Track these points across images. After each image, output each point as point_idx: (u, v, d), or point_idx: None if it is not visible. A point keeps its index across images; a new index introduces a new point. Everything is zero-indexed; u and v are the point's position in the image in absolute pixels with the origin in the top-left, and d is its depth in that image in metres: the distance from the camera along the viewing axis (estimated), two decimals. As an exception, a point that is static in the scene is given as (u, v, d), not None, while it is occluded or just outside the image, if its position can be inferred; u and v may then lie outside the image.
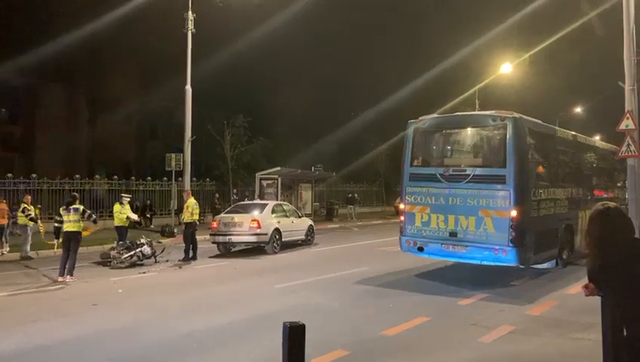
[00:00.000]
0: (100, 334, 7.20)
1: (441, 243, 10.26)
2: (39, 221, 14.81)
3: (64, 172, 25.23)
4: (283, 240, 16.21)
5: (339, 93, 38.24)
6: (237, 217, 15.70)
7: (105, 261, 13.51)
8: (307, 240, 17.93)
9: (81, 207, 11.89)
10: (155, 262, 13.88)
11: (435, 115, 11.91)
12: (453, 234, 10.13)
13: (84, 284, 11.10)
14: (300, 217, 17.99)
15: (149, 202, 25.31)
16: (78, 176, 24.26)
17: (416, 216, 10.61)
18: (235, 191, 28.95)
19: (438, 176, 10.44)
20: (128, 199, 15.26)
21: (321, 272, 12.03)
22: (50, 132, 33.81)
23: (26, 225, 14.93)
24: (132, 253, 13.69)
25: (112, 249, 14.05)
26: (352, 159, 36.33)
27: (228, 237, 15.55)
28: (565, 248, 11.68)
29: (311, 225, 18.46)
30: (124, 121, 35.68)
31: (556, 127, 12.87)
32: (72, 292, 10.34)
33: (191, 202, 15.00)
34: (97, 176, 25.56)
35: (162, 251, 14.73)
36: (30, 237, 14.96)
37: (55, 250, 13.60)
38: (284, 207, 17.63)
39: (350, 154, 36.86)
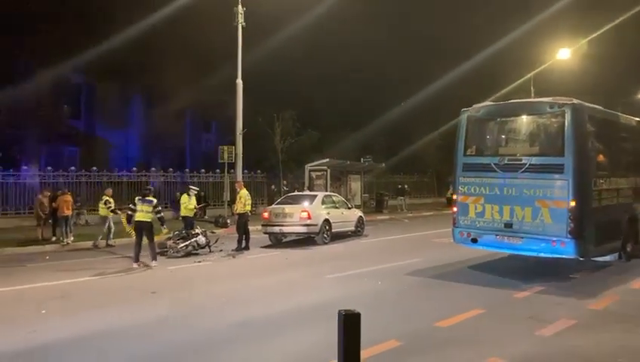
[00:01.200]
0: (158, 321, 7.42)
1: (496, 235, 10.01)
2: (120, 212, 15.60)
3: (122, 164, 26.53)
4: (333, 231, 16.21)
5: (387, 82, 37.69)
6: (287, 208, 15.83)
7: (162, 250, 13.86)
8: (357, 232, 17.87)
9: (155, 201, 12.53)
10: (210, 251, 14.13)
11: (489, 103, 11.58)
12: (508, 225, 9.86)
13: (143, 273, 11.49)
14: (349, 208, 17.95)
15: (202, 193, 25.71)
16: (135, 168, 25.19)
17: (469, 206, 10.38)
18: (285, 182, 29.21)
19: (493, 166, 10.17)
20: (196, 191, 15.78)
21: (372, 263, 11.97)
22: (108, 126, 35.13)
23: (106, 217, 15.86)
24: (187, 242, 13.97)
25: (169, 239, 14.39)
26: (401, 149, 35.81)
27: (279, 228, 15.71)
28: (629, 240, 11.18)
29: (360, 216, 18.39)
30: (178, 114, 36.60)
31: (619, 114, 12.22)
32: (133, 280, 10.73)
33: (243, 193, 15.19)
34: (153, 169, 26.31)
35: (216, 241, 15.00)
36: (106, 227, 15.86)
37: (130, 235, 14.08)
38: (334, 198, 17.62)
39: (400, 145, 36.31)
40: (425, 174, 40.03)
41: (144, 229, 12.29)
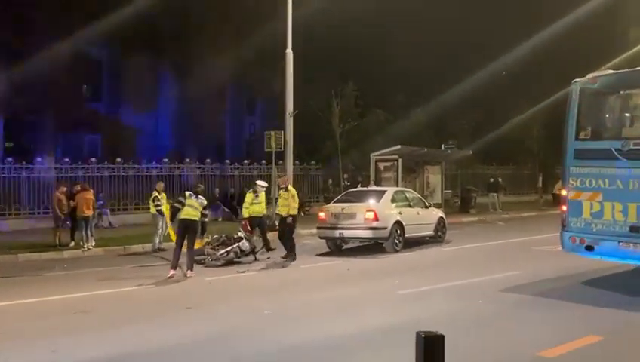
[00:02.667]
0: (194, 342, 7.63)
1: (619, 241, 9.70)
2: (166, 216, 16.10)
3: (150, 154, 27.30)
4: (406, 235, 16.23)
5: (474, 50, 36.72)
6: (349, 207, 15.93)
7: (198, 258, 14.13)
8: (437, 237, 17.84)
9: (205, 202, 13.04)
10: (255, 259, 14.41)
11: (609, 71, 11.13)
12: (635, 228, 9.49)
13: (178, 284, 11.84)
14: (427, 207, 17.91)
15: (246, 190, 26.17)
16: (166, 159, 25.95)
17: (583, 205, 10.12)
18: (345, 176, 29.38)
19: (614, 152, 9.83)
20: (264, 188, 16.04)
21: (455, 276, 11.92)
22: (135, 110, 36.23)
23: (157, 216, 16.59)
24: (229, 248, 14.30)
25: (207, 244, 14.76)
26: (492, 132, 34.73)
27: (338, 232, 15.82)
28: None
29: (441, 217, 18.33)
30: (216, 94, 37.17)
31: None
32: (166, 292, 11.12)
33: (291, 191, 15.34)
34: (187, 160, 27.08)
35: (262, 247, 15.25)
36: (161, 229, 16.57)
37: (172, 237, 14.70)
38: (407, 195, 17.61)
39: (489, 126, 35.24)
40: (524, 164, 38.88)
41: (189, 229, 12.60)
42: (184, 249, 12.67)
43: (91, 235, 16.97)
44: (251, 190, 15.94)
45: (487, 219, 27.14)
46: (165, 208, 16.24)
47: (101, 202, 21.57)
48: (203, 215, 12.84)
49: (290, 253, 14.62)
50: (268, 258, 14.80)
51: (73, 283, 12.14)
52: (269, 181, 22.28)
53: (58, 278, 13.03)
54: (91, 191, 17.69)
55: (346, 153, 29.16)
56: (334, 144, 28.68)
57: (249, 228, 15.30)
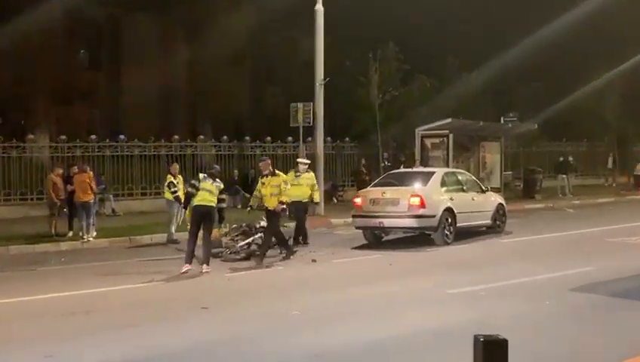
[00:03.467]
0: (208, 348, 7.67)
1: None
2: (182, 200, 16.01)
3: (159, 132, 27.06)
4: (458, 225, 16.12)
5: (538, 2, 35.85)
6: (390, 192, 15.87)
7: (215, 251, 14.12)
8: (495, 227, 17.73)
9: (222, 185, 13.14)
10: (281, 252, 14.42)
11: None
12: None
13: (192, 281, 11.92)
14: (483, 192, 17.77)
15: (252, 172, 25.80)
16: (177, 136, 25.91)
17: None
18: (385, 154, 29.21)
19: None
20: (307, 165, 16.26)
21: (517, 273, 11.79)
22: (139, 79, 35.79)
23: (173, 202, 16.67)
24: (250, 240, 14.38)
25: (225, 235, 14.83)
26: (562, 103, 33.92)
27: (378, 221, 15.77)
28: None
29: (500, 203, 18.19)
30: (234, 60, 36.95)
31: None
32: (178, 290, 11.24)
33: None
34: (202, 137, 27.07)
35: (289, 238, 15.21)
36: (176, 217, 16.72)
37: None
38: (460, 177, 17.47)
39: (559, 96, 34.47)
40: (600, 141, 38.06)
41: (205, 218, 12.64)
42: (199, 240, 12.77)
43: (92, 224, 17.01)
44: (293, 170, 16.19)
45: (554, 206, 26.82)
46: (182, 193, 16.15)
47: (103, 186, 21.52)
48: (220, 200, 12.87)
49: (285, 247, 14.60)
50: (296, 250, 14.81)
51: (72, 279, 12.24)
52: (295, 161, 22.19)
53: (54, 273, 13.18)
54: (91, 173, 17.60)
55: (386, 128, 28.82)
56: (372, 117, 28.33)
57: (287, 213, 15.40)
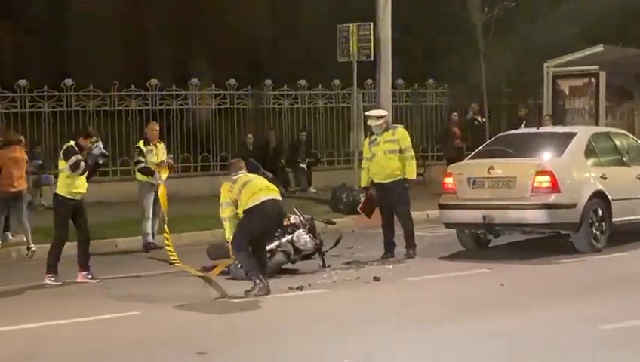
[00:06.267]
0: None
1: None
2: (160, 175, 13.98)
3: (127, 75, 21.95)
4: (615, 220, 13.37)
5: None
6: (501, 167, 13.49)
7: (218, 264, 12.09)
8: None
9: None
10: (323, 265, 12.25)
11: None
12: None
13: (180, 311, 9.86)
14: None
15: (303, 135, 21.34)
16: (155, 81, 20.29)
17: None
18: (522, 109, 22.94)
19: None
20: (382, 119, 13.51)
21: None
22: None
23: (145, 185, 14.40)
24: (273, 245, 12.24)
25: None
26: None
27: (481, 214, 12.97)
28: None
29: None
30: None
31: None
32: (161, 326, 9.31)
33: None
34: (195, 82, 21.44)
35: (337, 243, 12.85)
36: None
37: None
38: (618, 142, 14.74)
39: None
40: None
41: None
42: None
43: (24, 224, 14.01)
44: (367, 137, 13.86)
45: None
46: (164, 171, 14.15)
47: (38, 162, 17.61)
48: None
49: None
50: (348, 262, 12.49)
51: (4, 308, 10.44)
52: (344, 118, 19.62)
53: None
54: (22, 143, 14.49)
55: (493, 63, 23.04)
56: (471, 46, 22.87)
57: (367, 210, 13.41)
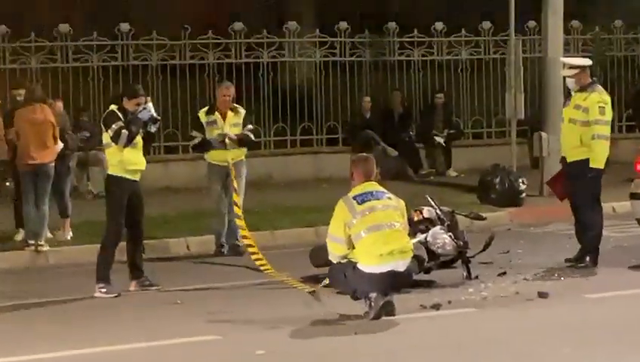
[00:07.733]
0: None
1: None
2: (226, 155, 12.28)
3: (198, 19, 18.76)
4: None
5: None
6: None
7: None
8: None
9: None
10: (468, 276, 10.63)
11: None
12: None
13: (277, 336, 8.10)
14: None
15: (442, 99, 18.34)
16: (241, 24, 17.23)
17: None
18: None
19: None
20: (579, 69, 11.33)
21: None
22: None
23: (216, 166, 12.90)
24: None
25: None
26: None
27: None
28: None
29: None
30: None
31: None
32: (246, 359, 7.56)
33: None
34: (293, 25, 17.82)
35: (487, 246, 11.11)
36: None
37: None
38: None
39: None
40: None
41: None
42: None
43: (66, 214, 12.26)
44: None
45: None
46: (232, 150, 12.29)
47: (85, 134, 15.18)
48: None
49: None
50: (504, 272, 10.69)
51: (22, 332, 8.45)
52: (496, 74, 17.42)
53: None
54: (59, 103, 12.99)
55: None
56: None
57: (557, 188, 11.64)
